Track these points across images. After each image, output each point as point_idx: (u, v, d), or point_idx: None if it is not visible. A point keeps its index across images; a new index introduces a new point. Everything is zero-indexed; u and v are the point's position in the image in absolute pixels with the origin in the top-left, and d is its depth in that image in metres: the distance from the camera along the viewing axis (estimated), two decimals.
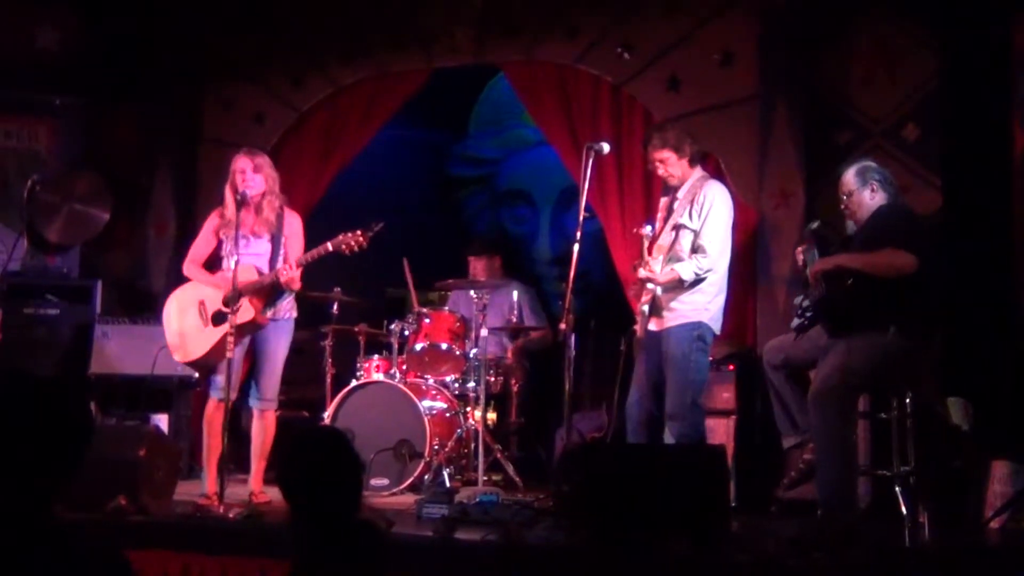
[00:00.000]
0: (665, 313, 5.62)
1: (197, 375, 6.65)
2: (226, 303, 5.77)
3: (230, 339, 5.55)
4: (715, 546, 4.41)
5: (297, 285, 5.88)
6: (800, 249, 5.44)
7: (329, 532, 2.85)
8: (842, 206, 5.35)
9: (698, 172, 5.75)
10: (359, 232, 5.70)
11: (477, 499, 5.43)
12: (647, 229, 5.69)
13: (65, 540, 2.04)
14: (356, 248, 5.72)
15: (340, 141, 7.81)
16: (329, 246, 5.76)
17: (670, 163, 5.68)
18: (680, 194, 5.71)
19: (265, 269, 5.89)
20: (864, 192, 5.24)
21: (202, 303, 5.97)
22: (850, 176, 5.29)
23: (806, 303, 5.30)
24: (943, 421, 5.59)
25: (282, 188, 6.17)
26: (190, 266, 6.12)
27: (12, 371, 2.18)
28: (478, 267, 7.84)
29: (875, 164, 5.35)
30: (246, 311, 5.75)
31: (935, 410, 5.57)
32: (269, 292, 5.90)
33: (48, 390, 2.14)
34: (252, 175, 5.93)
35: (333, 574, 2.90)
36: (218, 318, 5.86)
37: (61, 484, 2.13)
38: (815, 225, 5.50)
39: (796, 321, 5.34)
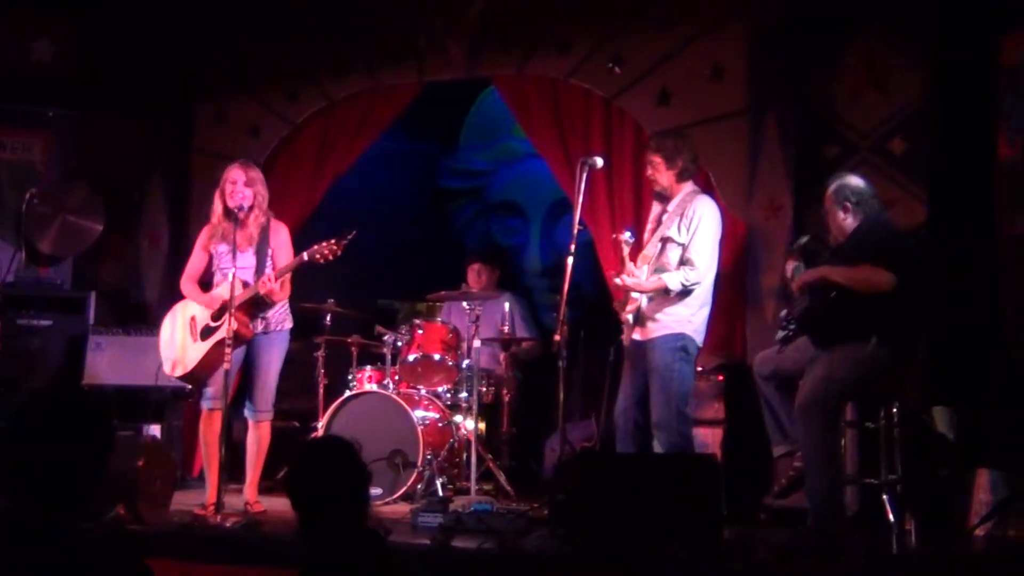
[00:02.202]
0: (649, 324, 5.68)
1: (189, 387, 6.69)
2: (213, 318, 5.93)
3: (227, 350, 5.61)
4: (707, 554, 4.48)
5: (277, 296, 5.93)
6: (788, 264, 5.52)
7: (337, 541, 2.90)
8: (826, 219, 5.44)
9: (689, 186, 5.80)
10: (333, 241, 5.74)
11: (471, 508, 5.48)
12: (626, 235, 5.75)
13: (92, 551, 2.09)
14: (331, 257, 5.75)
15: (333, 154, 7.83)
16: (304, 256, 5.81)
17: (657, 168, 5.77)
18: (670, 207, 5.77)
19: (251, 282, 5.93)
20: (838, 212, 5.29)
21: (192, 319, 6.05)
22: (829, 193, 5.34)
23: (790, 315, 5.39)
24: (929, 430, 5.66)
25: (276, 199, 6.23)
26: (185, 283, 6.20)
27: (37, 391, 2.25)
28: (482, 272, 7.92)
29: (854, 182, 5.34)
30: (231, 324, 5.80)
31: (921, 419, 5.64)
32: (253, 304, 5.95)
33: (73, 407, 2.19)
34: (243, 188, 5.98)
35: None
36: (206, 332, 5.97)
37: (85, 496, 2.19)
38: (803, 240, 5.56)
39: (780, 333, 5.42)
